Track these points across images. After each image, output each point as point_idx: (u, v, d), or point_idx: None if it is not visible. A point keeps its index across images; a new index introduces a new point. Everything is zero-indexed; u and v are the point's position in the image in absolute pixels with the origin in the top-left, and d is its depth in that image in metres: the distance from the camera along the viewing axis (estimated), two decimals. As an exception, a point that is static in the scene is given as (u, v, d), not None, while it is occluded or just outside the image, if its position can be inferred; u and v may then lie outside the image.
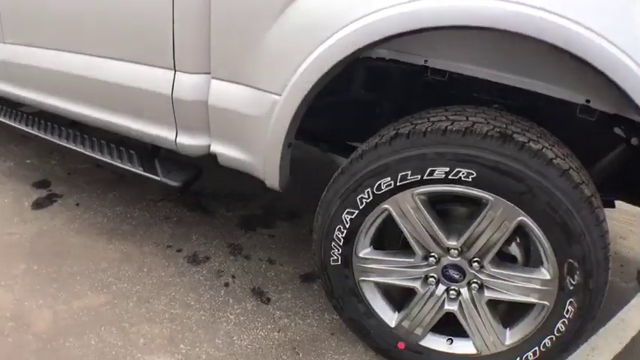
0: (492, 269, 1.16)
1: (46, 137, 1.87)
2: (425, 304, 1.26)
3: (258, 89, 1.24)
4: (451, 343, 1.29)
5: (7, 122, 2.04)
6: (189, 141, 1.44)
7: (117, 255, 1.75)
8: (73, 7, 1.53)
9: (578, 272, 1.05)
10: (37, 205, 2.03)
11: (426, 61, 1.22)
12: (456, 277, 1.21)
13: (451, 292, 1.22)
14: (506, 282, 1.16)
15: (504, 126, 1.04)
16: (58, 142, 1.82)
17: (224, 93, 1.32)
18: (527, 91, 1.13)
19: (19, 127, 1.97)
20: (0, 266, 1.65)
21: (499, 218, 1.07)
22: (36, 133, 1.90)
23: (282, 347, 1.41)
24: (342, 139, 1.65)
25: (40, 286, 1.57)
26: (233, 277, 1.68)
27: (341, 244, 1.25)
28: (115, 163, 1.59)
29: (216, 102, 1.34)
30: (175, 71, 1.37)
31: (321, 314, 1.55)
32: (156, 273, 1.67)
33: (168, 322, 1.47)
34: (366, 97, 1.44)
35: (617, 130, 1.16)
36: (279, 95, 1.20)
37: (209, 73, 1.33)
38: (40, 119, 1.99)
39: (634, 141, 1.10)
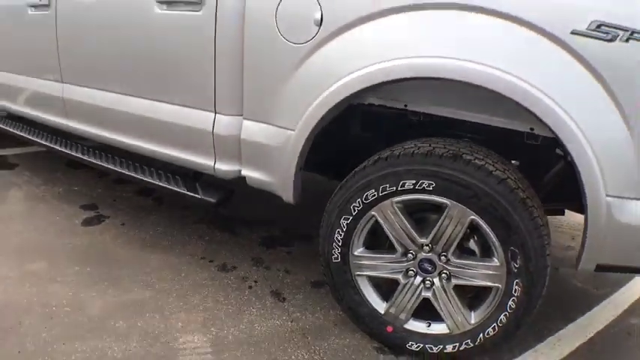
0: (456, 260, 1.49)
1: (102, 164, 2.29)
2: (406, 292, 1.58)
3: (278, 127, 1.66)
4: (429, 325, 1.60)
5: (65, 151, 2.47)
6: (224, 167, 1.84)
7: (158, 263, 2.12)
8: (132, 62, 2.01)
9: (519, 257, 1.38)
10: (87, 222, 2.45)
11: (405, 105, 1.62)
12: (429, 269, 1.54)
13: (426, 281, 1.55)
14: (468, 270, 1.49)
15: (457, 149, 1.41)
16: (113, 168, 2.25)
17: (252, 130, 1.74)
18: (488, 125, 1.51)
19: (76, 155, 2.40)
20: (57, 267, 2.04)
21: (455, 218, 1.42)
22: (93, 160, 2.34)
23: (294, 333, 1.74)
24: (347, 169, 2.04)
25: (93, 283, 1.95)
26: (255, 281, 2.03)
27: (340, 244, 1.60)
28: (165, 185, 2.00)
29: (246, 137, 1.75)
30: (216, 113, 1.80)
31: (327, 311, 1.87)
32: (191, 277, 2.04)
33: (201, 312, 1.82)
34: (364, 135, 1.83)
35: (558, 151, 1.52)
36: (293, 131, 1.61)
37: (241, 115, 1.76)
38: (95, 149, 2.41)
39: (570, 158, 1.43)
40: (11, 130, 2.80)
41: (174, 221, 2.51)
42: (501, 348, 1.62)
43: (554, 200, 1.65)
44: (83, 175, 2.97)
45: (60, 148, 2.49)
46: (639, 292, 2.16)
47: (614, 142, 1.22)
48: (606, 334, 1.84)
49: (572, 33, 1.19)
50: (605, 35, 1.17)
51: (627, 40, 1.16)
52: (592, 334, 1.82)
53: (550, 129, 1.26)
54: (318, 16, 1.46)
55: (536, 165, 1.60)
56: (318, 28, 1.47)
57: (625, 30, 1.15)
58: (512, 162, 1.55)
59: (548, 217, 1.53)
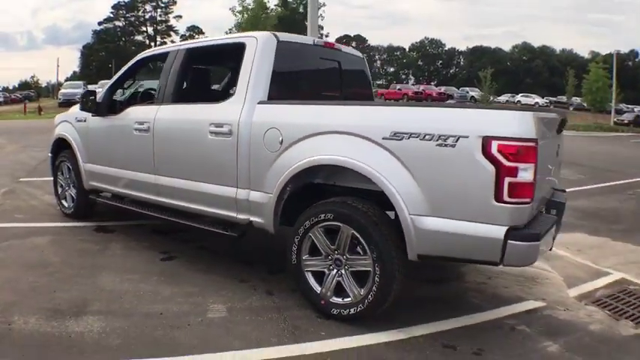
0: (350, 257, 2.85)
1: (171, 219, 3.84)
2: (330, 279, 2.93)
3: (266, 192, 3.18)
4: (343, 299, 2.91)
5: (151, 213, 4.05)
6: (241, 217, 3.35)
7: (220, 284, 3.53)
8: (195, 159, 3.64)
9: (377, 252, 2.72)
10: (163, 259, 3.96)
11: (334, 182, 3.10)
12: (339, 264, 2.90)
13: (338, 272, 2.90)
14: (357, 262, 2.83)
15: (345, 200, 2.85)
16: (177, 220, 3.79)
17: (254, 195, 3.26)
18: (360, 188, 2.93)
19: (156, 215, 3.99)
20: (158, 290, 3.54)
21: (344, 232, 2.81)
22: (165, 217, 3.90)
23: (281, 314, 3.02)
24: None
25: (185, 300, 3.42)
26: (257, 287, 3.43)
27: (295, 253, 3.01)
28: (210, 228, 3.52)
29: (252, 199, 3.27)
30: (237, 188, 3.36)
31: (306, 307, 3.12)
32: (239, 291, 3.44)
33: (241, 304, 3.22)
34: (312, 198, 3.27)
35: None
36: (272, 194, 3.13)
37: (249, 188, 3.30)
38: (167, 211, 3.96)
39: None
40: (116, 204, 4.47)
41: (218, 260, 4.00)
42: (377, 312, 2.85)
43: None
44: (161, 238, 4.57)
45: (147, 212, 4.10)
46: (524, 307, 3.28)
47: (408, 188, 2.61)
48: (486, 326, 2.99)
49: (383, 138, 2.66)
50: (397, 137, 2.63)
51: (409, 138, 2.60)
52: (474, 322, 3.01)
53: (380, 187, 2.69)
54: (280, 139, 3.06)
55: (381, 203, 2.90)
56: (280, 144, 3.06)
57: (407, 133, 2.60)
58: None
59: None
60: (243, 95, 3.28)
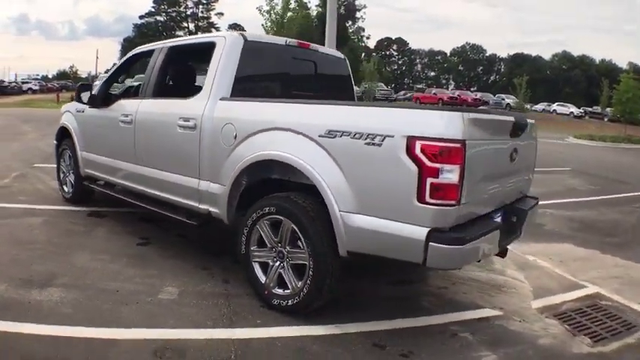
0: (291, 250, 2.95)
1: (143, 205, 4.06)
2: (273, 270, 3.04)
3: (222, 184, 3.32)
4: (283, 290, 3.01)
5: (129, 200, 4.28)
6: (202, 207, 3.51)
7: (182, 270, 3.75)
8: (167, 151, 3.84)
9: (311, 246, 2.80)
10: (140, 244, 4.17)
11: (289, 178, 3.20)
12: (282, 256, 3.00)
13: (281, 264, 3.01)
14: (296, 255, 2.92)
15: (286, 195, 2.96)
16: (147, 206, 4.00)
17: (213, 187, 3.41)
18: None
19: (132, 202, 4.21)
20: (123, 270, 3.76)
21: (286, 225, 2.91)
22: (137, 202, 4.11)
23: (229, 301, 3.18)
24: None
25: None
26: (215, 274, 3.58)
27: (244, 244, 3.14)
28: (174, 216, 3.70)
29: (211, 190, 3.42)
30: (199, 179, 3.51)
31: (254, 296, 3.26)
32: (197, 277, 3.63)
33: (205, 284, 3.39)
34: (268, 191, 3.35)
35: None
36: (226, 186, 3.27)
37: (209, 180, 3.45)
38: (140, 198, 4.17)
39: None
40: (108, 191, 4.74)
41: (191, 249, 4.18)
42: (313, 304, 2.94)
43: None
44: (145, 225, 4.81)
45: (128, 199, 4.33)
46: (477, 314, 3.26)
47: (339, 186, 2.69)
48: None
49: (319, 136, 2.75)
50: (331, 135, 2.70)
51: (341, 136, 2.68)
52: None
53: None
54: (235, 134, 3.20)
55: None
56: (234, 139, 3.20)
57: (339, 131, 2.67)
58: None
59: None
60: (208, 92, 3.44)
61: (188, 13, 69.28)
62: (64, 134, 5.40)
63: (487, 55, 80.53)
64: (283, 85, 3.92)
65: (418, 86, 67.41)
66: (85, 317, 2.82)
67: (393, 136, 2.48)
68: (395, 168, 2.47)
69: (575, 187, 9.13)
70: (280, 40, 3.84)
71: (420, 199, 2.41)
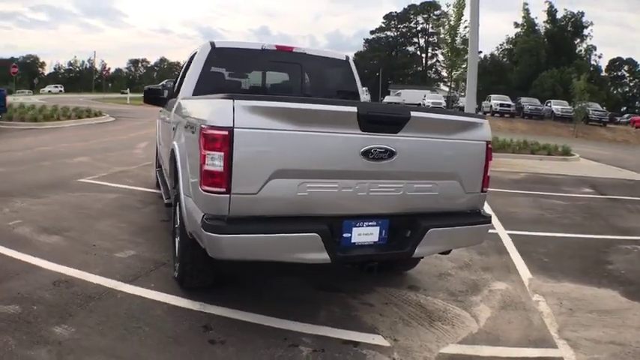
0: (176, 227, 3.33)
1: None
2: (176, 244, 3.47)
3: (189, 196, 3.84)
4: (175, 263, 3.41)
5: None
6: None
7: (158, 241, 4.52)
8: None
9: (179, 225, 3.13)
10: (163, 221, 5.08)
11: None
12: (177, 233, 3.40)
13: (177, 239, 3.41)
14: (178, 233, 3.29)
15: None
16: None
17: (189, 200, 3.91)
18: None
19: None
20: (116, 234, 4.74)
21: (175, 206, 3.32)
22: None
23: (156, 266, 3.79)
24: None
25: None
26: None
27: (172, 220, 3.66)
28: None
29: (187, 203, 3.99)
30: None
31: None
32: (157, 244, 4.35)
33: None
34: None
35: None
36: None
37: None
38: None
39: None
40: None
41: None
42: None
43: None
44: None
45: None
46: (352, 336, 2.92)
47: (185, 172, 2.95)
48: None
49: (185, 127, 3.07)
50: (189, 125, 2.96)
51: (186, 126, 2.92)
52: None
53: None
54: (174, 127, 3.74)
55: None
56: (174, 131, 3.75)
57: (188, 123, 2.96)
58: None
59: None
60: (180, 92, 4.08)
61: (418, 28, 69.97)
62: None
63: None
64: (259, 86, 4.24)
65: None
66: (53, 255, 3.82)
67: (197, 125, 2.65)
68: (197, 154, 2.60)
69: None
70: (255, 45, 4.15)
71: (200, 184, 2.51)
